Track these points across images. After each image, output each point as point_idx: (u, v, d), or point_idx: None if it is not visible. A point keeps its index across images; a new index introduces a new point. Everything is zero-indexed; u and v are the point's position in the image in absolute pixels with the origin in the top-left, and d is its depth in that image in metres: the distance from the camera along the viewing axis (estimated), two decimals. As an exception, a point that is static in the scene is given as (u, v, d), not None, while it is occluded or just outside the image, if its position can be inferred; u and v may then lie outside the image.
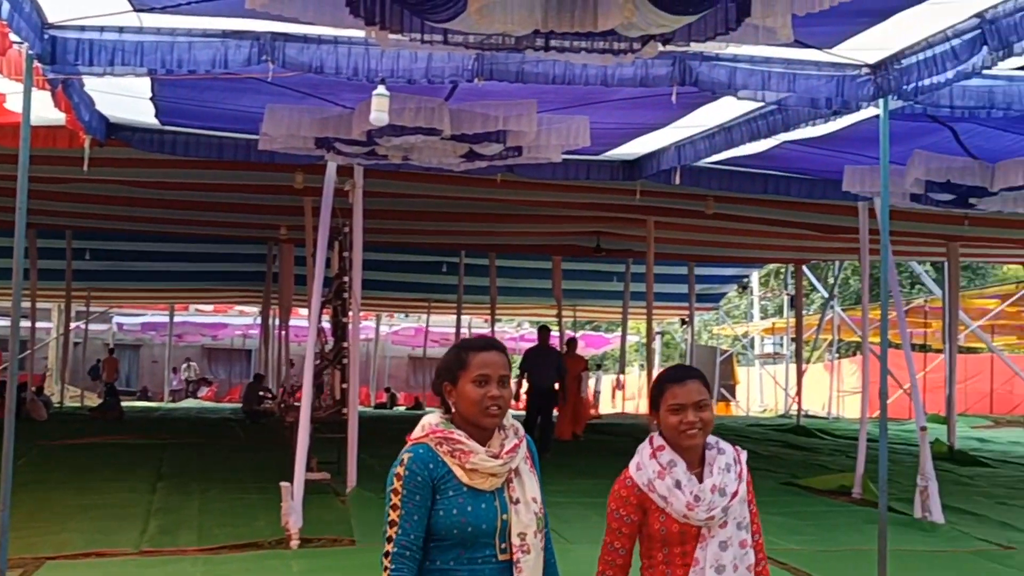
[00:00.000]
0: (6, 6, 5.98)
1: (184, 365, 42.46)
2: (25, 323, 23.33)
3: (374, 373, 39.29)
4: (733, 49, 7.29)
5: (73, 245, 22.10)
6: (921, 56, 7.24)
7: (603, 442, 18.01)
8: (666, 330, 42.93)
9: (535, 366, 15.88)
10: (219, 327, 43.61)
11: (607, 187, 13.10)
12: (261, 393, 23.12)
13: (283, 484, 8.59)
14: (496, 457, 3.21)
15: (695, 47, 6.71)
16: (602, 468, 13.31)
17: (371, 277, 18.54)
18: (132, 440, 17.30)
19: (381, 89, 7.66)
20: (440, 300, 29.33)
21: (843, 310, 31.26)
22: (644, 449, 3.56)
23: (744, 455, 3.62)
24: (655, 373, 24.62)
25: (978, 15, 6.58)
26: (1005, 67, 7.42)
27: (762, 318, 43.12)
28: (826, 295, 30.17)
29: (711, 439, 3.57)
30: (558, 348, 18.65)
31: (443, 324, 35.74)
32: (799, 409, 25.04)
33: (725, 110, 9.52)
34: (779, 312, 39.76)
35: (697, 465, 3.52)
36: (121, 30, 7.01)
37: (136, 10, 6.73)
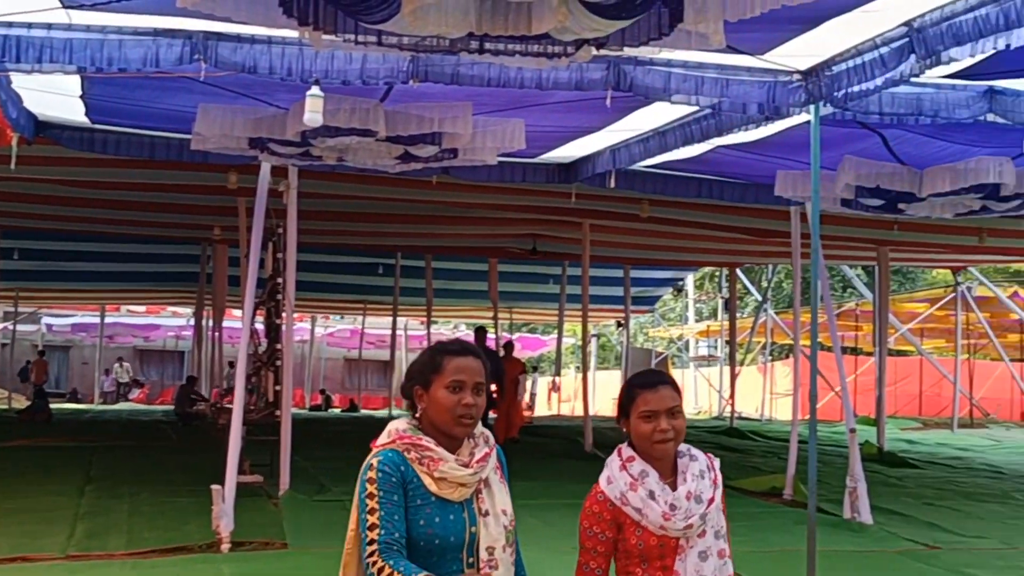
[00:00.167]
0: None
1: (117, 366, 41.91)
2: (-49, 324, 22.93)
3: (309, 375, 39.06)
4: (667, 54, 7.35)
5: (1, 244, 21.72)
6: (851, 63, 7.34)
7: (538, 444, 18.03)
8: (602, 332, 43.17)
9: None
10: (151, 328, 43.08)
11: (543, 190, 13.13)
12: (193, 395, 22.90)
13: (214, 487, 8.51)
14: (466, 466, 3.06)
15: (629, 52, 6.75)
16: (537, 470, 13.37)
17: (306, 278, 18.44)
18: (61, 443, 17.05)
19: (315, 90, 7.62)
20: (376, 302, 29.23)
21: (776, 313, 31.61)
22: (613, 461, 3.40)
23: (717, 462, 3.48)
24: (590, 375, 24.71)
25: (906, 24, 6.68)
26: (933, 75, 7.54)
27: (697, 321, 43.47)
28: (760, 298, 30.48)
29: (682, 446, 3.43)
30: (495, 350, 18.65)
31: (379, 326, 35.63)
32: (732, 411, 25.27)
33: (659, 114, 9.59)
34: (714, 315, 40.11)
35: (670, 474, 3.37)
36: (50, 27, 6.89)
37: (65, 7, 6.63)
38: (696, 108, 8.83)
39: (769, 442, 20.42)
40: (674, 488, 3.33)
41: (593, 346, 39.49)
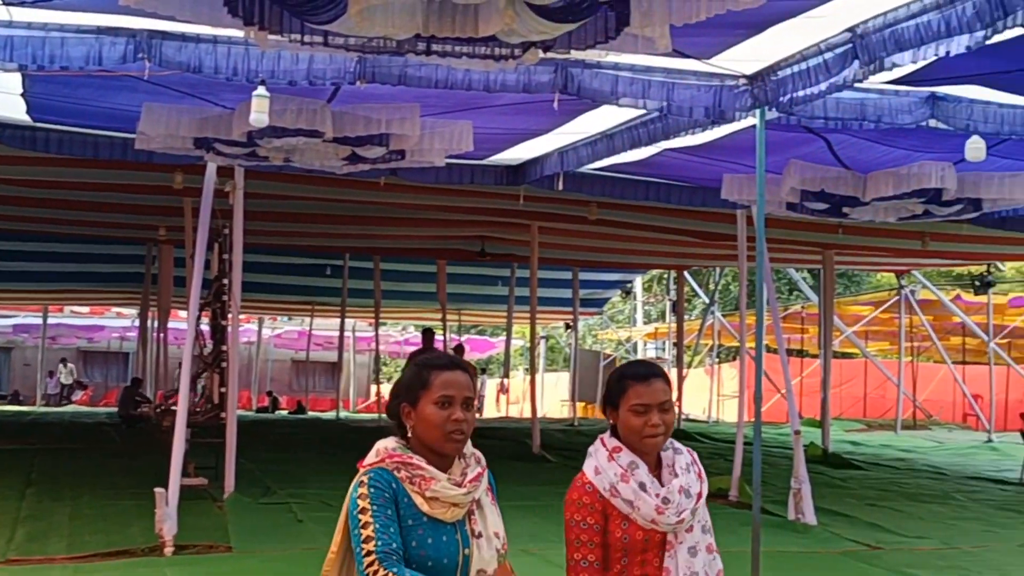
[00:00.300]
0: None
1: (60, 368, 41.36)
2: None
3: (256, 376, 38.79)
4: (614, 57, 7.38)
5: (-59, 244, 21.39)
6: (796, 68, 7.42)
7: (486, 447, 17.91)
8: (551, 334, 43.25)
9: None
10: (95, 329, 42.53)
11: (491, 192, 13.13)
12: (138, 397, 22.66)
13: (157, 490, 8.42)
14: (459, 486, 2.96)
15: (577, 55, 6.77)
16: (484, 472, 13.35)
17: (253, 279, 18.32)
18: (1, 446, 16.79)
19: (261, 90, 7.57)
20: (324, 303, 29.07)
21: (723, 315, 31.82)
22: (599, 451, 3.29)
23: (696, 455, 3.40)
24: (539, 378, 24.70)
25: (850, 30, 6.76)
26: (876, 81, 7.63)
27: (645, 323, 43.64)
28: (707, 301, 30.67)
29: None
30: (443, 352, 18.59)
31: (327, 327, 35.46)
32: (680, 413, 25.39)
33: (607, 117, 9.62)
34: (662, 317, 40.28)
35: (654, 467, 3.27)
36: (-10, 24, 6.80)
37: (5, 4, 6.53)
38: (643, 111, 8.87)
39: (716, 444, 20.52)
40: (660, 482, 3.24)
41: (541, 348, 39.56)
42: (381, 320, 27.59)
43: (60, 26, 6.87)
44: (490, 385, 38.83)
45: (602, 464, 3.24)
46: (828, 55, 7.04)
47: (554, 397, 36.39)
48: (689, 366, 29.66)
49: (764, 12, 6.09)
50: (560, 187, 11.61)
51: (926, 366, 34.23)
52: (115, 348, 45.88)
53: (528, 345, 22.31)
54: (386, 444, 3.04)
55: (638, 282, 40.84)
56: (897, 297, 26.45)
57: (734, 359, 36.49)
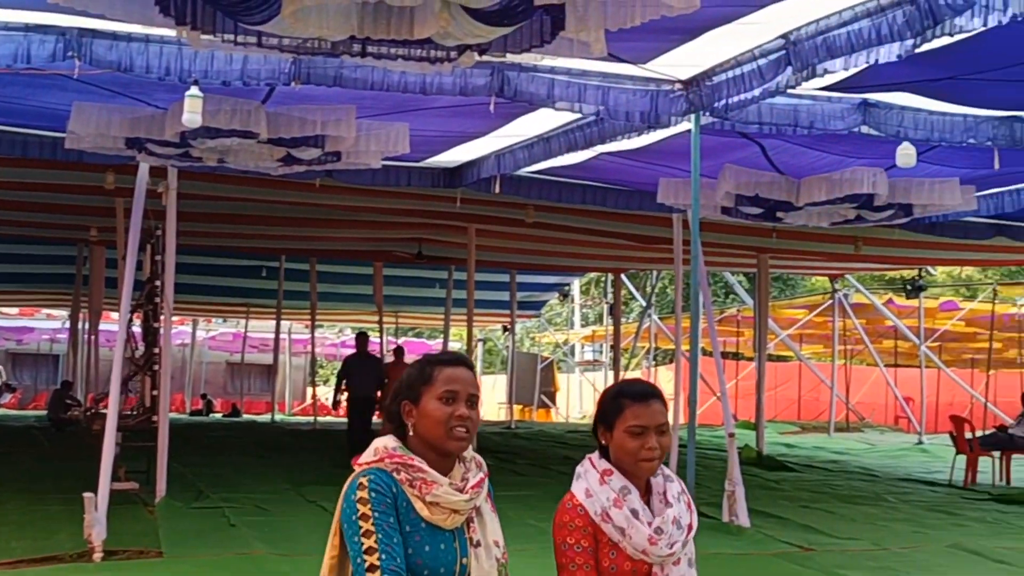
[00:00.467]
0: None
1: (-10, 369, 40.69)
2: None
3: (190, 379, 38.40)
4: (550, 61, 7.40)
5: None
6: (730, 74, 7.49)
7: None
8: (488, 337, 43.28)
9: (354, 374, 15.73)
10: (24, 331, 41.81)
11: (428, 194, 13.10)
12: (68, 400, 22.32)
13: (86, 494, 8.28)
14: (460, 491, 2.80)
15: (513, 58, 6.78)
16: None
17: (187, 281, 18.11)
18: (-73, 449, 16.48)
19: (194, 90, 7.49)
20: (259, 305, 28.84)
21: (660, 318, 32.02)
22: (589, 473, 3.11)
23: (683, 484, 3.23)
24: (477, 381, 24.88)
25: (783, 36, 6.84)
26: (809, 87, 7.73)
27: (583, 326, 43.81)
28: (644, 304, 30.83)
29: None
30: (378, 355, 18.53)
31: (262, 329, 35.19)
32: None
33: (544, 120, 9.64)
34: (599, 320, 40.46)
35: (643, 494, 3.10)
36: (-86, 20, 6.67)
37: (-69, -1, 6.42)
38: (580, 115, 8.90)
39: (651, 446, 20.61)
40: (651, 510, 3.09)
41: (479, 351, 39.55)
42: (317, 322, 27.45)
43: (-13, 23, 6.76)
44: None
45: (593, 487, 3.07)
46: (762, 61, 7.12)
47: (491, 400, 36.37)
48: (626, 369, 29.77)
49: (699, 18, 6.14)
50: (497, 190, 11.61)
51: (859, 369, 34.69)
52: (45, 350, 45.09)
53: (465, 347, 22.30)
54: (385, 443, 2.87)
55: (576, 285, 41.01)
56: (831, 301, 26.76)
57: (671, 362, 36.71)
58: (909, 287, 24.69)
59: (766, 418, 19.64)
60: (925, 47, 6.15)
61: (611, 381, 25.24)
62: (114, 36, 6.92)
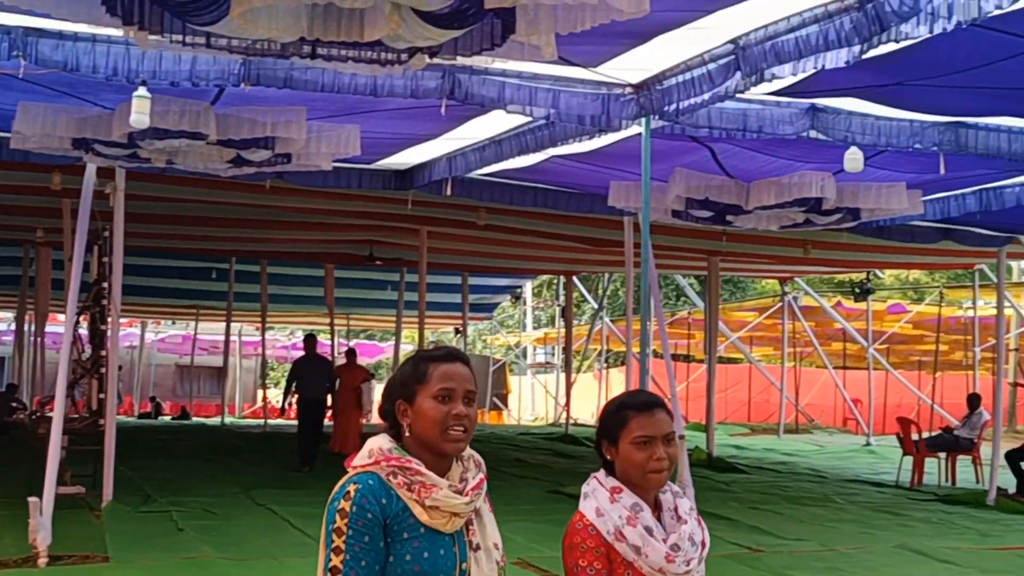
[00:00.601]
0: None
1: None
2: None
3: (138, 381, 38.04)
4: (501, 64, 7.39)
5: None
6: (681, 78, 7.52)
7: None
8: (440, 339, 43.11)
9: (303, 376, 15.63)
10: (-30, 333, 41.29)
11: (379, 196, 13.07)
12: (14, 404, 22.03)
13: (31, 499, 8.18)
14: (460, 493, 2.67)
15: (465, 61, 6.77)
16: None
17: (135, 282, 17.95)
18: None
19: (142, 91, 7.42)
20: (209, 307, 28.65)
21: (612, 321, 32.12)
22: (598, 491, 2.96)
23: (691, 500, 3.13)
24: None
25: (732, 41, 6.87)
26: (758, 92, 7.77)
27: (535, 328, 43.87)
28: (596, 306, 30.92)
29: None
30: (327, 356, 18.43)
31: (212, 331, 34.94)
32: (568, 418, 25.56)
33: (495, 123, 9.64)
34: (552, 322, 40.54)
35: (652, 509, 2.97)
36: None
37: None
38: (531, 118, 8.90)
39: (603, 448, 20.66)
40: (663, 526, 2.96)
41: (431, 353, 39.37)
42: (268, 324, 27.28)
43: (-70, 22, 6.65)
44: (379, 390, 38.54)
45: (604, 505, 2.92)
46: (711, 66, 7.15)
47: (443, 402, 36.28)
48: (578, 371, 29.87)
49: (649, 22, 6.15)
50: (449, 192, 11.61)
51: (808, 371, 34.98)
52: (-10, 353, 44.55)
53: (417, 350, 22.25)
54: (380, 444, 2.71)
55: (528, 287, 41.03)
56: (780, 303, 26.98)
57: (622, 364, 36.84)
58: (857, 290, 24.91)
59: (716, 420, 19.77)
60: (872, 53, 6.20)
61: (563, 383, 25.31)
62: (60, 35, 6.82)
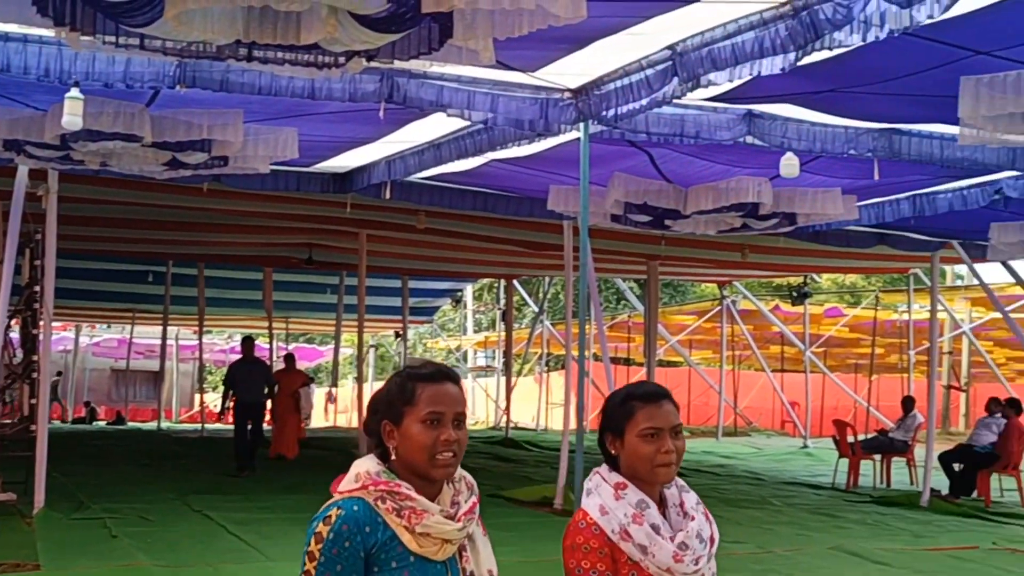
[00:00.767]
0: None
1: None
2: None
3: (72, 386, 37.49)
4: (440, 68, 7.38)
5: None
6: (619, 83, 7.56)
7: (315, 457, 17.79)
8: (380, 343, 43.02)
9: (240, 380, 15.46)
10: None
11: (318, 199, 12.99)
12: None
13: (-40, 508, 8.05)
14: (452, 519, 2.53)
15: (405, 65, 6.75)
16: (311, 483, 13.17)
17: (69, 286, 17.69)
18: None
19: (75, 92, 7.31)
20: (145, 310, 28.29)
21: (552, 324, 32.19)
22: (602, 487, 2.84)
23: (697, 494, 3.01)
24: (367, 386, 24.58)
25: (670, 47, 6.92)
26: (695, 97, 7.83)
27: (476, 331, 43.84)
28: (537, 309, 30.97)
29: None
30: (265, 359, 18.27)
31: (148, 335, 34.55)
32: (508, 421, 25.56)
33: (434, 127, 9.63)
34: (492, 326, 40.53)
35: (659, 507, 2.85)
36: None
37: None
38: (470, 122, 8.90)
39: (543, 452, 20.73)
40: (669, 523, 2.84)
41: (371, 356, 39.34)
42: (206, 328, 27.04)
43: None
44: (318, 394, 38.39)
45: (608, 503, 2.80)
46: (649, 71, 7.20)
47: (384, 406, 36.16)
48: (518, 375, 29.89)
49: (587, 27, 6.18)
50: (388, 196, 11.57)
51: (747, 374, 35.28)
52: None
53: (356, 353, 22.17)
54: (367, 467, 2.56)
55: (468, 291, 41.01)
56: (719, 307, 27.17)
57: (563, 368, 36.91)
58: (795, 294, 25.16)
59: (656, 423, 19.81)
60: (807, 60, 6.28)
61: (503, 387, 25.32)
62: (-10, 35, 6.74)
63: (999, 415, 14.83)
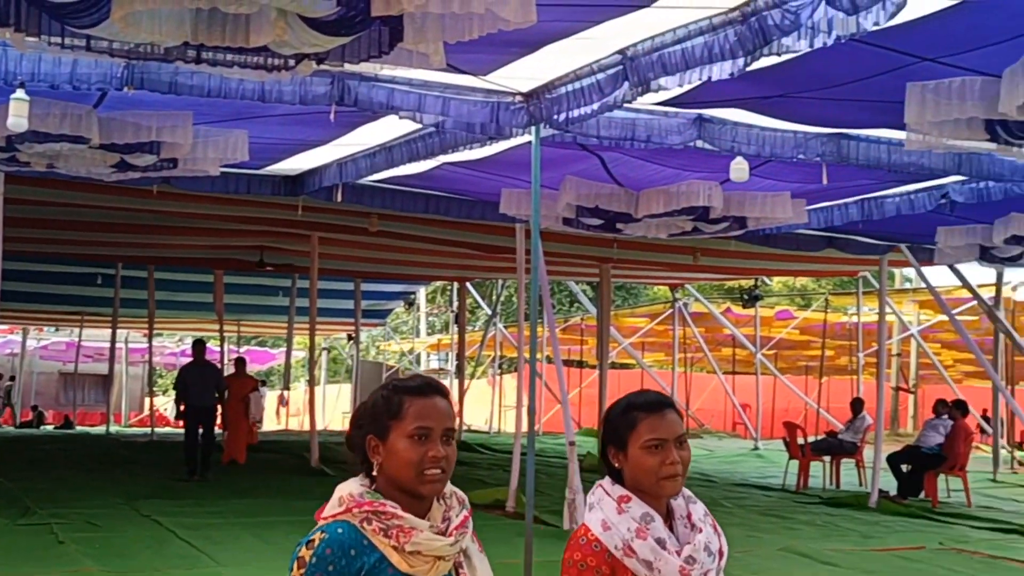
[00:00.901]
0: None
1: None
2: None
3: (19, 390, 37.02)
4: (391, 71, 7.36)
5: None
6: (570, 87, 7.57)
7: (267, 461, 17.69)
8: (333, 346, 42.88)
9: (191, 384, 15.33)
10: None
11: (269, 201, 12.91)
12: None
13: (-97, 514, 7.92)
14: (443, 534, 2.43)
15: (355, 68, 6.72)
16: (262, 487, 13.12)
17: (16, 288, 17.48)
18: None
19: (20, 93, 7.21)
20: (94, 313, 27.98)
21: (505, 327, 32.21)
22: (604, 501, 2.75)
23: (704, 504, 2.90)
24: (321, 389, 24.41)
25: (620, 52, 6.94)
26: (646, 102, 7.86)
27: (429, 334, 43.77)
28: (490, 312, 30.97)
29: None
30: (216, 363, 18.12)
31: (97, 338, 34.18)
32: (461, 424, 25.53)
33: (386, 130, 9.60)
34: (446, 328, 40.48)
35: (665, 519, 2.74)
36: None
37: None
38: (422, 125, 8.88)
39: (496, 455, 20.71)
40: (676, 536, 2.74)
41: (324, 359, 39.17)
42: (156, 331, 26.79)
43: None
44: (270, 397, 38.14)
45: (611, 517, 2.70)
46: (600, 75, 7.21)
47: (336, 409, 36.03)
48: (471, 377, 29.87)
49: (537, 32, 6.19)
50: (339, 198, 11.53)
51: (699, 376, 35.47)
52: None
53: (308, 356, 22.06)
54: (350, 490, 2.47)
55: (422, 293, 40.95)
56: (671, 310, 27.30)
57: (516, 370, 36.90)
58: (746, 296, 25.34)
59: (608, 425, 19.87)
60: (756, 65, 6.32)
61: (457, 389, 25.29)
62: (-67, 35, 6.63)
63: (946, 416, 15.02)
